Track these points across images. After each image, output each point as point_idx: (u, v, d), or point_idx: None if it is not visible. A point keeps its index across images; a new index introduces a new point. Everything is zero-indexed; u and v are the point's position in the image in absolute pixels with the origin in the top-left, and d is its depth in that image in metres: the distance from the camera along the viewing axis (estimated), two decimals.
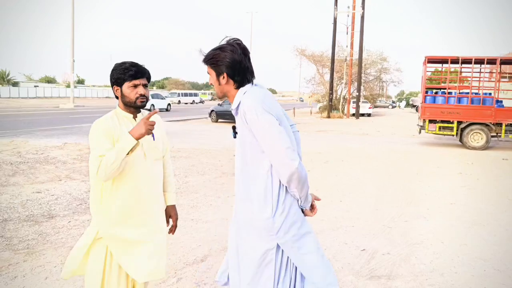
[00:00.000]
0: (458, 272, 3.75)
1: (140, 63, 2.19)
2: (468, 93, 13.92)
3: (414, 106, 48.32)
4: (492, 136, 13.51)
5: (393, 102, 73.42)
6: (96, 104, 41.72)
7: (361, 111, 32.53)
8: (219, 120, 22.47)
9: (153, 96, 31.75)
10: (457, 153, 12.48)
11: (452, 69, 15.86)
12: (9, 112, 25.55)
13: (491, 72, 16.10)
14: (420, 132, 14.56)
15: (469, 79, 15.88)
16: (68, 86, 49.37)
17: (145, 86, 2.16)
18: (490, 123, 13.33)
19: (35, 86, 61.01)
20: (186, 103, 52.55)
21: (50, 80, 77.81)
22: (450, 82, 14.28)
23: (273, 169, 1.88)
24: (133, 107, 2.16)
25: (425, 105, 13.91)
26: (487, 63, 14.10)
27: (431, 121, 13.81)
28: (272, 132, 1.82)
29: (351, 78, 32.15)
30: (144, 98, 2.15)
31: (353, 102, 31.66)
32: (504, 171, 9.56)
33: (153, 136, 2.24)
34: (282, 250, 1.93)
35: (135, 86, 2.12)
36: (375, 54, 38.06)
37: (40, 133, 13.71)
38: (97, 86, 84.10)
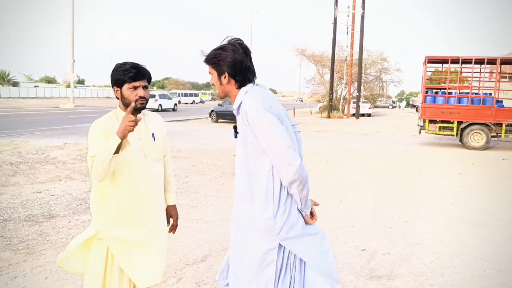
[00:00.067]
0: (459, 272, 3.75)
1: (141, 63, 2.19)
2: (468, 93, 13.92)
3: (414, 106, 48.32)
4: (492, 136, 13.51)
5: (393, 102, 73.38)
6: (96, 104, 41.72)
7: (361, 111, 32.53)
8: (219, 120, 22.48)
9: (161, 96, 31.92)
10: (457, 153, 12.48)
11: (452, 69, 15.85)
12: (9, 112, 25.56)
13: (491, 72, 16.11)
14: (420, 132, 14.56)
15: (469, 79, 15.87)
16: (68, 86, 49.41)
17: (145, 87, 2.15)
18: (490, 123, 13.34)
19: (35, 86, 61.04)
20: (186, 103, 52.52)
21: (50, 80, 77.86)
22: (450, 82, 14.28)
23: (274, 169, 1.88)
24: (133, 108, 2.15)
25: (425, 105, 13.90)
26: (487, 63, 14.10)
27: (431, 121, 13.81)
28: (273, 131, 1.82)
29: (351, 78, 32.15)
30: (144, 100, 2.14)
31: (353, 102, 31.67)
32: (504, 171, 9.56)
33: (153, 136, 2.23)
34: (283, 251, 1.93)
35: (135, 88, 2.12)
36: (375, 54, 38.10)
37: (40, 133, 13.72)
38: (97, 86, 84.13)
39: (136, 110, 2.17)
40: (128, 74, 2.09)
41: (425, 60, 14.24)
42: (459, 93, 14.16)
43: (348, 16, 31.31)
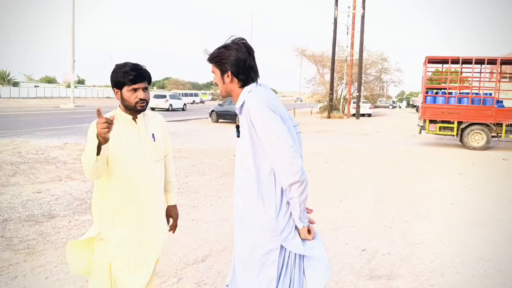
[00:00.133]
0: (459, 272, 3.75)
1: (141, 64, 2.16)
2: (468, 93, 13.91)
3: (414, 106, 48.30)
4: (493, 136, 13.51)
5: (394, 102, 73.36)
6: (97, 104, 41.66)
7: (361, 111, 32.54)
8: (220, 120, 22.49)
9: (171, 97, 33.20)
10: (457, 153, 12.48)
11: (453, 69, 15.86)
12: (10, 112, 25.55)
13: (491, 72, 16.12)
14: (420, 132, 14.56)
15: (469, 79, 15.87)
16: (69, 86, 49.42)
17: (145, 89, 2.13)
18: (491, 123, 13.34)
19: (35, 86, 61.03)
20: (187, 103, 52.52)
21: (50, 80, 77.83)
22: (450, 82, 14.27)
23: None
24: (133, 110, 2.15)
25: (426, 105, 13.90)
26: (488, 63, 14.10)
27: (431, 121, 13.81)
28: (276, 131, 1.82)
29: (352, 78, 32.15)
30: (144, 102, 2.13)
31: (354, 102, 31.67)
32: (504, 171, 9.56)
33: (153, 136, 2.23)
34: (284, 251, 1.92)
35: (135, 90, 2.10)
36: (375, 54, 38.13)
37: (41, 133, 13.72)
38: (97, 86, 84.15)
39: (136, 112, 2.17)
40: (128, 77, 2.07)
41: (425, 60, 14.24)
42: (459, 93, 14.16)
43: (348, 16, 31.35)
